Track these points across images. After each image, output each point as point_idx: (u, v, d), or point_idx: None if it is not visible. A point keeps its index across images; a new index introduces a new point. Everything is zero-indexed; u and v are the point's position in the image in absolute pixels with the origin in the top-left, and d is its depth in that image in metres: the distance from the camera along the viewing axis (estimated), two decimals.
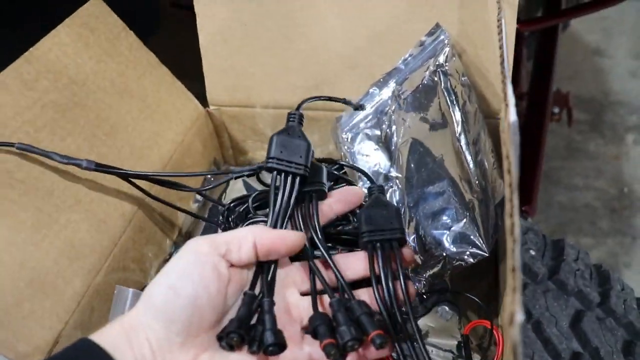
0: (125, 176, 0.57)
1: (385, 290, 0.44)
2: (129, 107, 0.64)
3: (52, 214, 0.53)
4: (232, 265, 0.41)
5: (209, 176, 0.75)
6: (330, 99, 0.55)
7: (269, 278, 0.42)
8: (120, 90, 0.63)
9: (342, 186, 0.58)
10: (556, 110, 1.38)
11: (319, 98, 0.56)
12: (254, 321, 0.40)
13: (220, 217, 0.66)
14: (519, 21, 0.60)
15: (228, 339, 0.38)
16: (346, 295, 0.43)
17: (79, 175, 0.56)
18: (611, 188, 1.59)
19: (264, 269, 0.42)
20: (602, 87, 1.90)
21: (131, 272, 0.60)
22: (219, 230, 0.67)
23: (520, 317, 0.26)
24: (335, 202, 0.50)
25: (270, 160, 0.47)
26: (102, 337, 0.36)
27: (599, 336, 0.61)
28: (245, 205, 0.64)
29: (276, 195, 0.46)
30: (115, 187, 0.59)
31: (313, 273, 0.45)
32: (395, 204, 0.55)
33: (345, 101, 0.59)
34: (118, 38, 0.65)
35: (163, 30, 1.00)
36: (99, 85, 0.61)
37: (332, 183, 0.61)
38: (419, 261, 0.53)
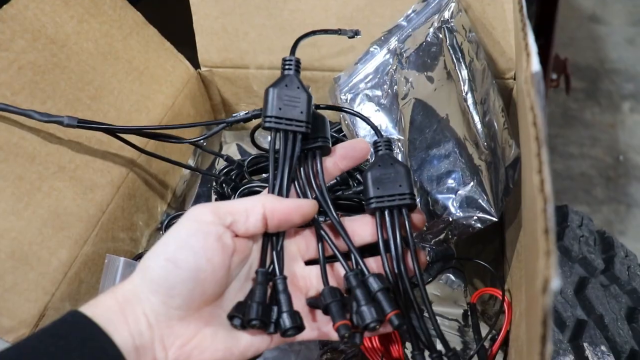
0: (112, 131, 0.52)
1: (394, 261, 0.41)
2: (115, 69, 0.60)
3: (34, 182, 0.49)
4: (236, 236, 0.38)
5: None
6: (326, 31, 0.50)
7: (278, 250, 0.40)
8: (104, 52, 0.60)
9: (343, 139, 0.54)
10: (554, 76, 1.36)
11: (313, 33, 0.50)
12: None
13: (214, 184, 0.63)
14: None
15: (249, 325, 0.36)
16: (358, 267, 0.41)
17: (63, 139, 0.52)
18: (607, 156, 1.57)
19: (272, 241, 0.40)
20: (598, 54, 1.87)
21: (121, 242, 0.58)
22: (213, 197, 0.65)
23: (556, 283, 0.24)
24: (341, 159, 0.45)
25: (267, 119, 0.42)
26: (94, 310, 0.33)
27: (603, 303, 0.60)
28: (239, 171, 0.61)
29: (277, 157, 0.42)
30: (102, 151, 0.56)
31: (321, 241, 0.42)
32: None
33: (340, 32, 0.54)
34: None
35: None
36: (81, 46, 0.57)
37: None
38: (424, 227, 0.50)
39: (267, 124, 0.42)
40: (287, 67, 0.45)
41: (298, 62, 0.45)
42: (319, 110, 0.48)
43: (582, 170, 1.54)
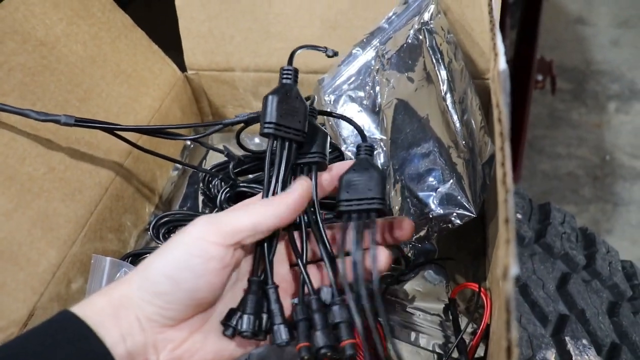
0: (110, 130, 0.53)
1: (355, 266, 0.40)
2: (103, 71, 0.61)
3: (25, 183, 0.50)
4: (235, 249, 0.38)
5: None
6: (315, 47, 0.51)
7: (271, 259, 0.40)
8: (93, 54, 0.61)
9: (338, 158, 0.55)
10: (540, 77, 1.38)
11: (305, 47, 0.51)
12: None
13: (201, 184, 0.64)
14: None
15: (241, 336, 0.37)
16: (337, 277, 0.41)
17: (53, 140, 0.53)
18: (593, 156, 1.59)
19: (265, 249, 0.40)
20: (584, 56, 1.90)
21: (109, 242, 0.59)
22: (200, 197, 0.66)
23: (514, 270, 0.25)
24: (336, 177, 0.44)
25: (267, 125, 0.42)
26: (86, 310, 0.34)
27: (584, 298, 0.61)
28: (225, 172, 0.62)
29: (272, 164, 0.42)
30: (90, 154, 0.57)
31: (304, 253, 0.42)
32: (381, 167, 0.53)
33: (326, 50, 0.55)
34: None
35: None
36: (70, 48, 0.58)
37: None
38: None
39: (265, 130, 0.42)
40: (285, 76, 0.45)
41: (296, 72, 0.46)
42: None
43: (569, 170, 1.56)
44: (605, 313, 0.61)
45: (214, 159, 0.70)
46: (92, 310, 0.34)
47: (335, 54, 0.49)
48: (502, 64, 0.32)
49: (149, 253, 0.56)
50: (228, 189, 0.58)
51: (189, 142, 0.72)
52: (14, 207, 0.49)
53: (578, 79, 1.82)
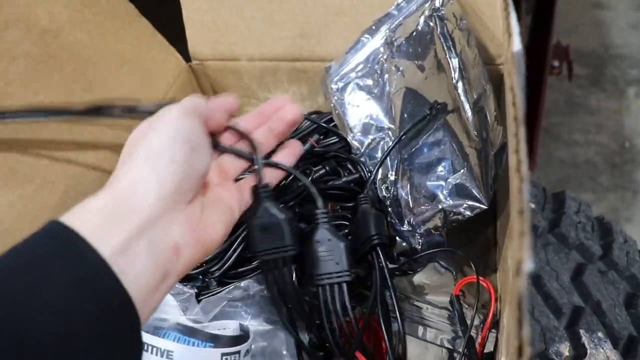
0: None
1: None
2: (107, 61, 0.60)
3: (27, 173, 0.50)
4: None
5: None
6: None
7: None
8: (97, 43, 0.60)
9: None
10: (556, 63, 1.34)
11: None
12: None
13: None
14: None
15: None
16: None
17: (55, 131, 0.53)
18: (612, 143, 1.56)
19: None
20: (602, 40, 1.85)
21: None
22: None
23: (529, 265, 0.23)
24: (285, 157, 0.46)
25: (258, 255, 0.43)
26: (75, 217, 0.30)
27: (600, 290, 0.60)
28: None
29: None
30: (93, 143, 0.56)
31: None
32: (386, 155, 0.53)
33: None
34: None
35: None
36: (75, 36, 0.57)
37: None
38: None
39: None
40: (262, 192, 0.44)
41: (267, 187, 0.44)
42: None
43: (587, 158, 1.53)
44: (622, 305, 0.60)
45: None
46: (85, 215, 0.30)
47: None
48: (517, 44, 0.31)
49: None
50: None
51: None
52: (16, 198, 0.48)
53: (596, 64, 1.77)
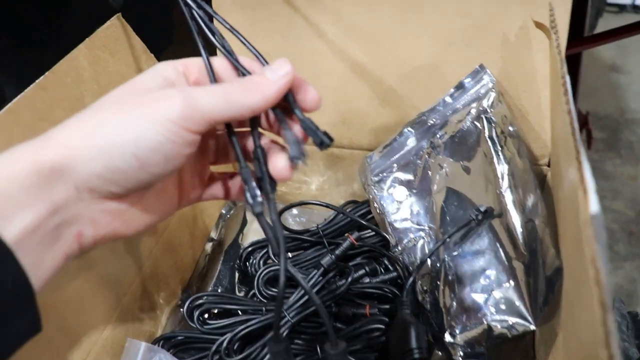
0: None
1: None
2: None
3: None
4: None
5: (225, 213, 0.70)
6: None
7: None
8: None
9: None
10: None
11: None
12: None
13: (238, 261, 0.62)
14: None
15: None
16: None
17: None
18: (629, 210, 1.54)
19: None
20: (618, 104, 1.85)
21: (140, 322, 0.56)
22: (237, 274, 0.63)
23: None
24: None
25: None
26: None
27: None
28: (265, 251, 0.60)
29: None
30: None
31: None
32: (428, 257, 0.51)
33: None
34: (139, 62, 0.59)
35: (174, 45, 0.94)
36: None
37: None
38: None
39: None
40: None
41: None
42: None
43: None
44: None
45: (251, 232, 0.68)
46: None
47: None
48: (594, 205, 0.29)
49: (182, 336, 0.54)
50: (267, 271, 0.55)
51: (224, 211, 0.69)
52: (41, 296, 0.47)
53: (612, 128, 1.77)
